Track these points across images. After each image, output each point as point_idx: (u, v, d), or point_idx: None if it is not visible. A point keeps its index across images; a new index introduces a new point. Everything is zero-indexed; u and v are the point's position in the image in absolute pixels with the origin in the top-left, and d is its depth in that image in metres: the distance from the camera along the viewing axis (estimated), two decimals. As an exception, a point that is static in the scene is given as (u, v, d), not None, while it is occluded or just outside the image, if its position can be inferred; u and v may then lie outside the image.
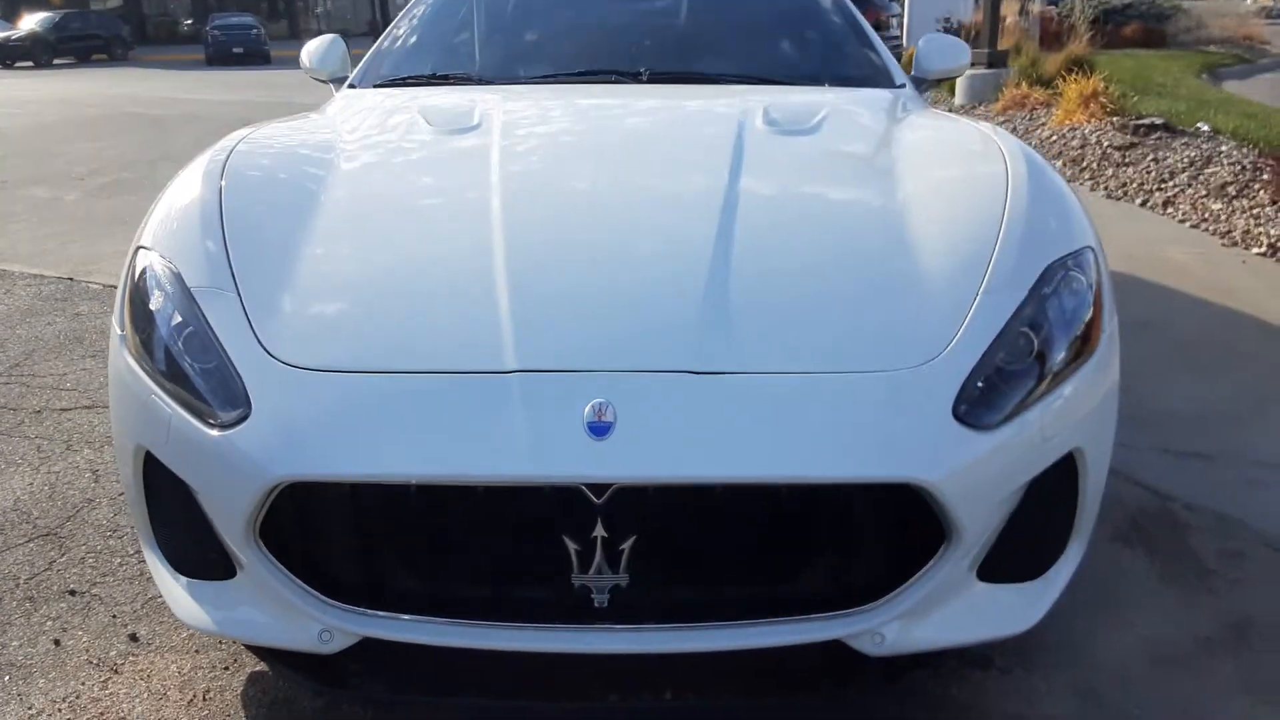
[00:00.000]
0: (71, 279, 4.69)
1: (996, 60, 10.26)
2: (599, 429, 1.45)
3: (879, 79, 2.80)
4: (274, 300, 1.67)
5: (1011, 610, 1.71)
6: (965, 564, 1.59)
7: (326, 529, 1.56)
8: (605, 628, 1.54)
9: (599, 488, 1.44)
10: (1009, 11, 15.15)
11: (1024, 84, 9.32)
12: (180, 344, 1.65)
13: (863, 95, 2.62)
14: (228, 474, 1.51)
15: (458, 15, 3.09)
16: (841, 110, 2.41)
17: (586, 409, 1.47)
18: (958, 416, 1.54)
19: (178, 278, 1.73)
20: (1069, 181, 6.64)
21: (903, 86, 2.79)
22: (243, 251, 1.76)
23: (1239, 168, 6.00)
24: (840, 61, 2.93)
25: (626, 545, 1.48)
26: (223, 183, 1.94)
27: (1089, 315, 1.78)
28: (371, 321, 1.63)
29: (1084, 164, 6.89)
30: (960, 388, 1.57)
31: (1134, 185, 6.21)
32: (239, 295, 1.67)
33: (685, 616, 1.55)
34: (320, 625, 1.56)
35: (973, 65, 10.38)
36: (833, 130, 2.27)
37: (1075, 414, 1.70)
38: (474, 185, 1.93)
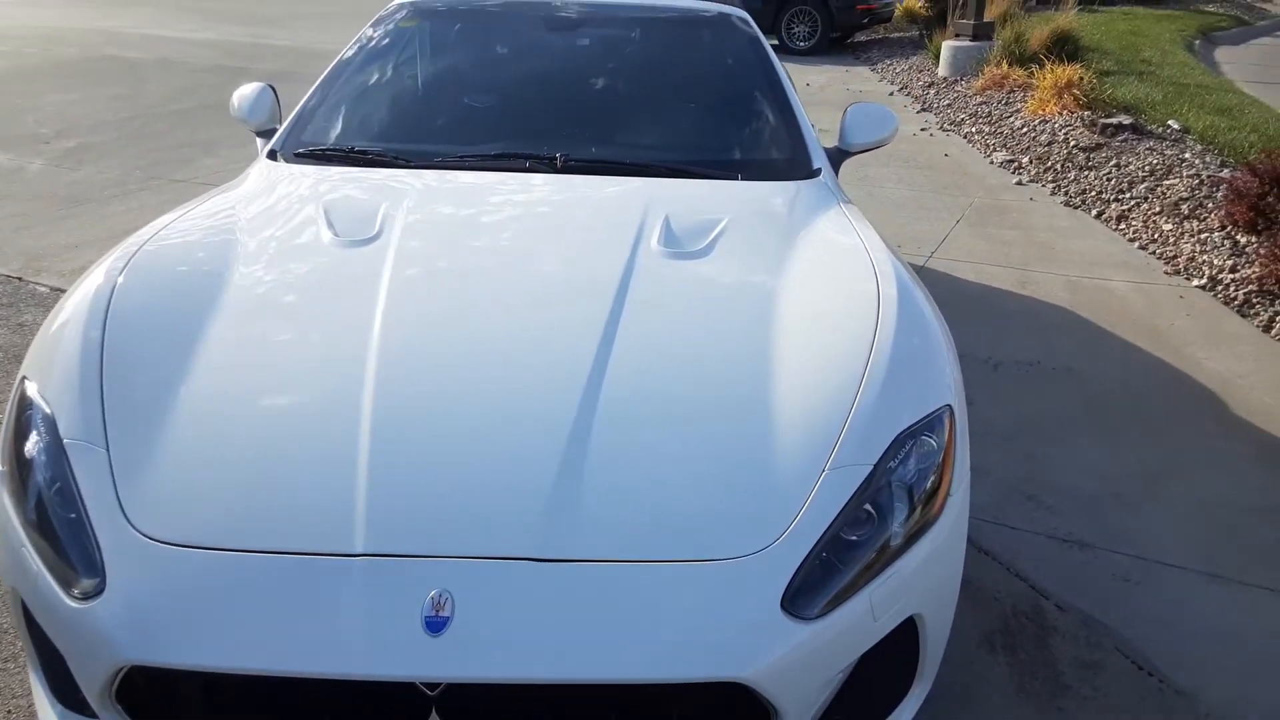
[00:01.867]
0: (20, 279, 4.72)
1: (981, 32, 10.12)
2: (435, 624, 1.54)
3: (796, 167, 2.83)
4: (141, 460, 1.73)
5: None
6: None
7: (183, 699, 1.65)
8: None
9: (434, 682, 1.53)
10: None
11: (1004, 63, 9.22)
12: (50, 497, 1.72)
13: (770, 195, 2.65)
14: (83, 645, 1.60)
15: (383, 77, 3.09)
16: (742, 221, 2.45)
17: (426, 600, 1.56)
18: (786, 607, 1.63)
19: (53, 424, 1.80)
20: (1033, 180, 6.67)
21: (818, 173, 2.81)
22: (118, 399, 1.83)
23: (1197, 181, 6.01)
24: (760, 146, 2.95)
25: (464, 731, 1.58)
26: (109, 314, 2.00)
27: (935, 482, 1.87)
28: (232, 493, 1.70)
29: (1049, 163, 6.88)
30: (791, 577, 1.66)
31: (1093, 194, 6.23)
32: (108, 453, 1.74)
33: None
34: None
35: (957, 36, 10.26)
36: (725, 250, 2.32)
37: (914, 585, 1.80)
38: (355, 328, 1.98)
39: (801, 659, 1.63)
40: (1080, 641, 2.47)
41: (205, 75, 10.64)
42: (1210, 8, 17.23)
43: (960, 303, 4.66)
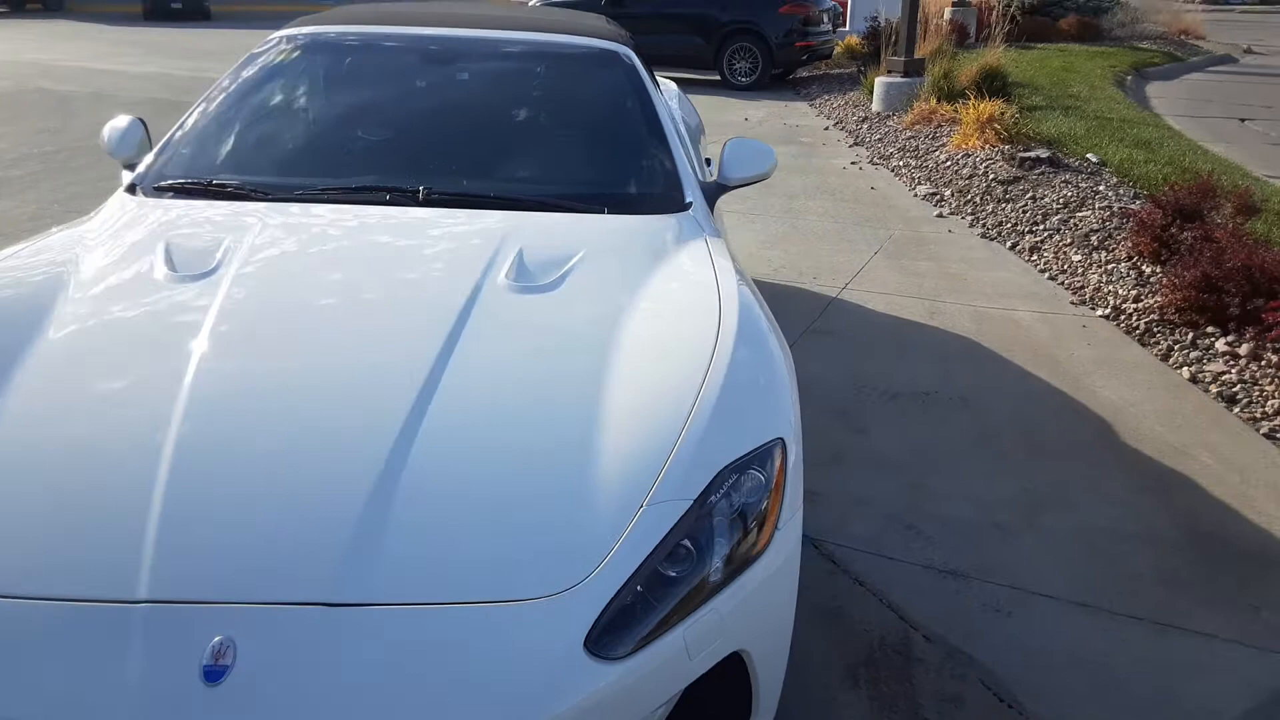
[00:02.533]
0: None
1: (913, 69, 10.29)
2: (214, 674, 1.48)
3: (666, 201, 2.81)
4: None
5: None
6: None
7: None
8: None
9: None
10: (946, 1, 15.20)
11: (933, 98, 9.37)
12: None
13: (633, 229, 2.63)
14: None
15: (253, 111, 3.05)
16: (598, 255, 2.43)
17: (207, 648, 1.50)
18: (590, 646, 1.59)
19: None
20: (953, 213, 6.75)
21: (688, 207, 2.81)
22: None
23: (1108, 213, 6.11)
24: (629, 180, 2.94)
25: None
26: None
27: (762, 516, 1.84)
28: (13, 538, 1.63)
29: (968, 196, 6.98)
30: (598, 615, 1.62)
31: (1008, 226, 6.31)
32: None
33: None
34: None
35: (889, 73, 10.43)
36: (574, 284, 2.30)
37: (737, 621, 1.76)
38: (167, 368, 1.93)
39: (608, 700, 1.59)
40: (944, 674, 2.45)
41: (138, 108, 10.50)
42: (1145, 44, 17.67)
43: (867, 334, 4.68)
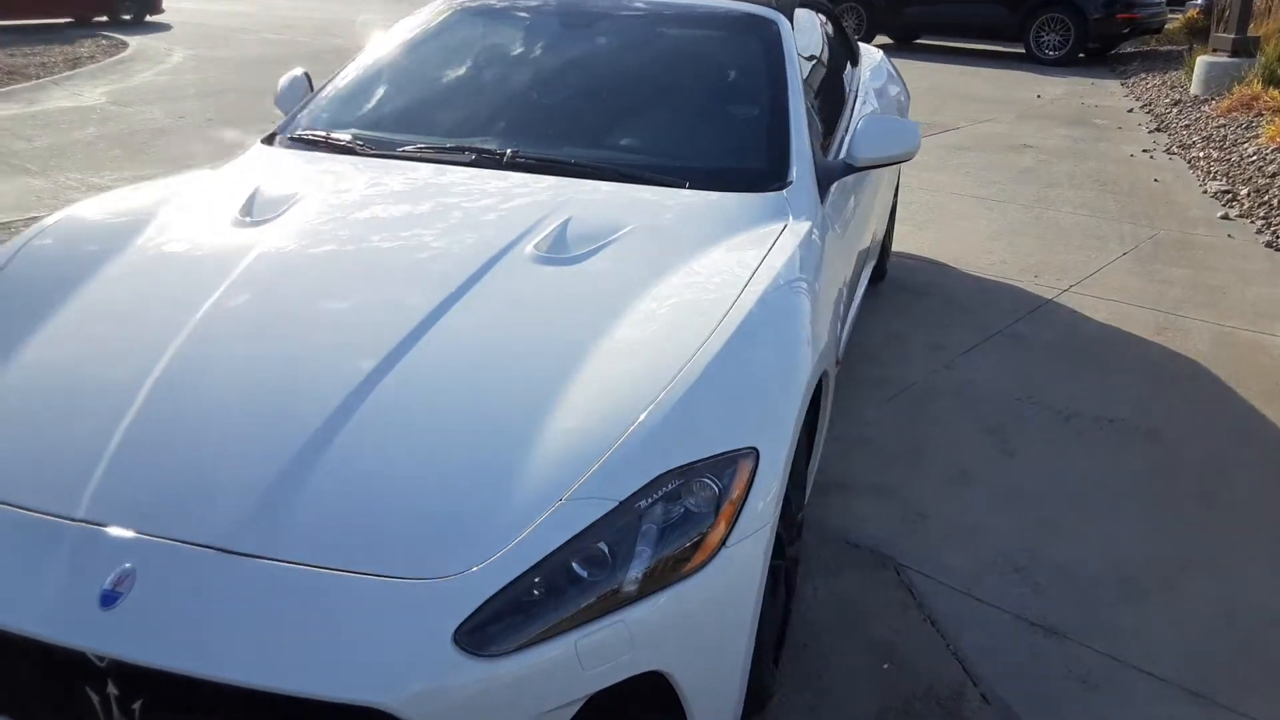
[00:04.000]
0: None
1: (1243, 48, 8.94)
2: (109, 598, 1.55)
3: (762, 177, 2.61)
4: None
5: None
6: None
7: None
8: None
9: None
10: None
11: (1258, 82, 8.08)
12: None
13: (706, 206, 2.46)
14: None
15: (393, 72, 3.15)
16: (644, 231, 2.30)
17: (112, 574, 1.58)
18: (461, 638, 1.51)
19: None
20: (1242, 216, 5.78)
21: (785, 186, 2.58)
22: None
23: None
24: (727, 154, 2.74)
25: (137, 705, 1.59)
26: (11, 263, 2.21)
27: (704, 530, 1.67)
28: (10, 447, 1.80)
29: (1266, 197, 5.97)
30: (478, 608, 1.54)
31: (1305, 238, 5.33)
32: None
33: None
34: None
35: (1215, 51, 9.15)
36: (601, 260, 2.18)
37: (653, 638, 1.62)
38: (187, 302, 2.04)
39: (472, 697, 1.50)
40: None
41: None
42: None
43: (1067, 344, 4.14)
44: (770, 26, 3.07)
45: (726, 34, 3.10)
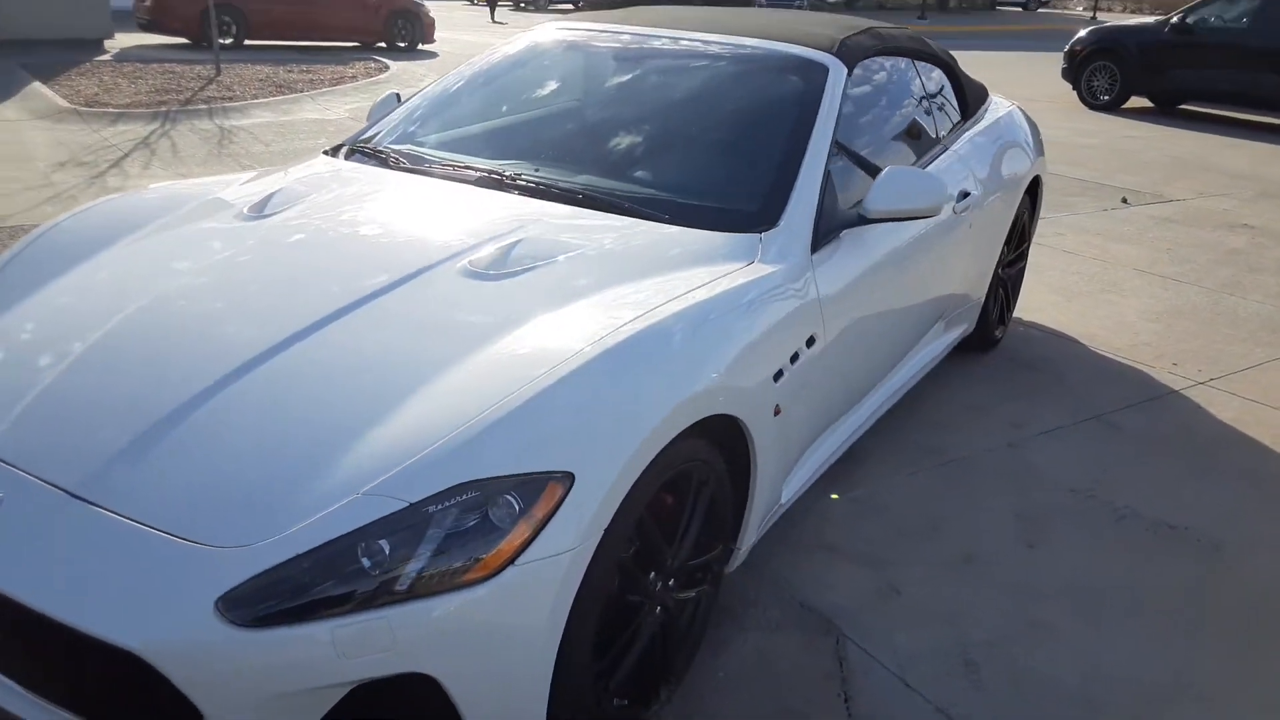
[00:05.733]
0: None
1: None
2: (-22, 522, 1.80)
3: (747, 219, 2.58)
4: None
5: None
6: None
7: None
8: None
9: None
10: None
11: None
12: None
13: (669, 240, 2.47)
14: None
15: (456, 95, 3.37)
16: (585, 259, 2.35)
17: None
18: (222, 605, 1.62)
19: None
20: None
21: (767, 228, 2.54)
22: None
23: None
24: (718, 192, 2.72)
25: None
26: (33, 241, 2.58)
27: (492, 544, 1.70)
28: None
29: None
30: (247, 579, 1.64)
31: None
32: None
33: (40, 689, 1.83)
34: None
35: None
36: (522, 283, 2.24)
37: (419, 640, 1.68)
38: (161, 274, 2.33)
39: (225, 661, 1.61)
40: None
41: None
42: None
43: (1171, 442, 3.73)
44: (817, 72, 3.02)
45: (770, 76, 3.08)
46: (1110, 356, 4.52)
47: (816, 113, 2.89)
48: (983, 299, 4.14)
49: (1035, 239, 6.42)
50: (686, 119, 3.03)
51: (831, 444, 2.95)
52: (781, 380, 2.36)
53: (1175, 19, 12.57)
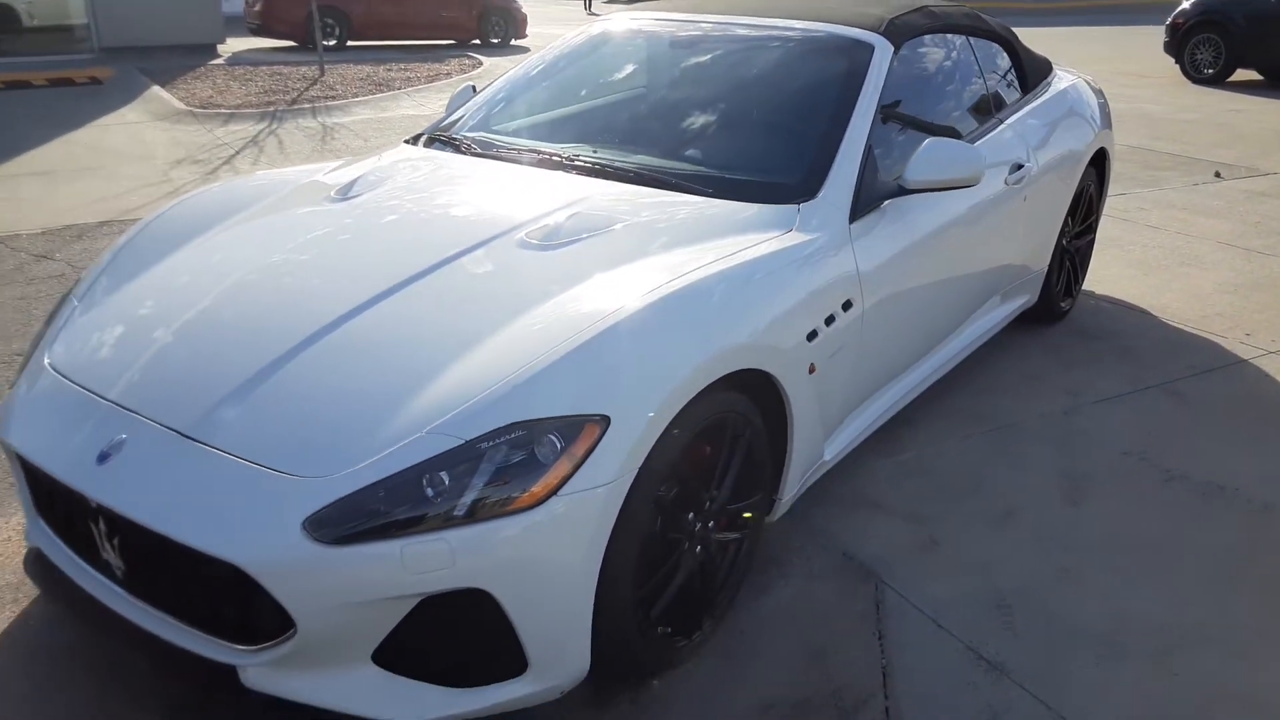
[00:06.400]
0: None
1: None
2: (102, 457, 2.10)
3: (787, 192, 2.76)
4: (79, 315, 2.55)
5: (401, 700, 2.00)
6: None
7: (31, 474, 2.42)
8: (110, 587, 2.17)
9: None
10: None
11: None
12: (40, 331, 2.62)
13: (713, 213, 2.66)
14: None
15: (527, 86, 3.62)
16: (631, 230, 2.56)
17: (111, 440, 2.12)
18: (308, 525, 1.89)
19: (73, 286, 2.73)
20: None
21: (806, 199, 2.72)
22: (108, 275, 2.68)
23: None
24: (766, 167, 2.89)
25: (115, 541, 2.12)
26: (144, 228, 2.91)
27: (537, 476, 1.93)
28: (103, 346, 2.43)
29: None
30: (328, 504, 1.91)
31: None
32: (75, 306, 2.60)
33: (151, 598, 2.13)
34: None
35: None
36: (573, 252, 2.46)
37: (474, 559, 1.91)
38: (263, 251, 2.63)
39: (310, 573, 1.88)
40: None
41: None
42: None
43: (1234, 410, 3.75)
44: (862, 51, 3.17)
45: (818, 57, 3.23)
46: (1181, 327, 4.52)
47: (860, 90, 3.04)
48: (1044, 271, 4.20)
49: (1118, 214, 6.39)
50: (736, 101, 3.22)
51: (879, 407, 3.10)
52: (816, 340, 2.53)
53: (1285, -13, 12.09)
